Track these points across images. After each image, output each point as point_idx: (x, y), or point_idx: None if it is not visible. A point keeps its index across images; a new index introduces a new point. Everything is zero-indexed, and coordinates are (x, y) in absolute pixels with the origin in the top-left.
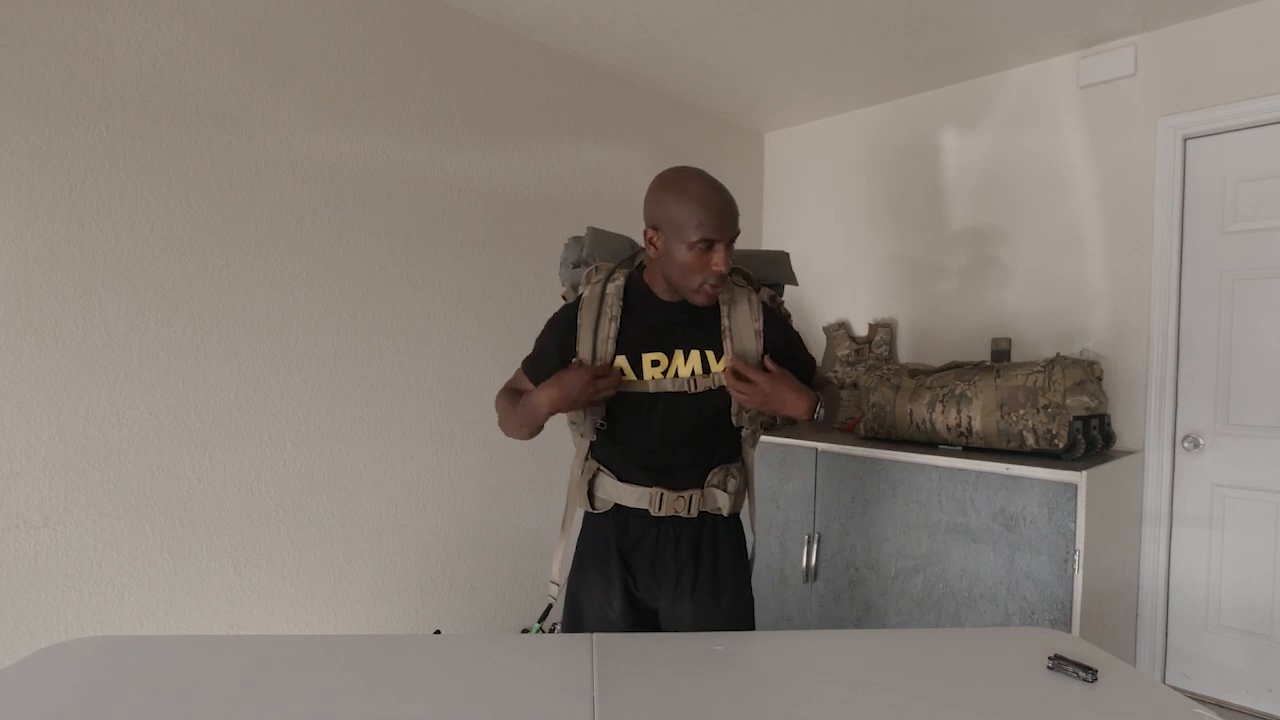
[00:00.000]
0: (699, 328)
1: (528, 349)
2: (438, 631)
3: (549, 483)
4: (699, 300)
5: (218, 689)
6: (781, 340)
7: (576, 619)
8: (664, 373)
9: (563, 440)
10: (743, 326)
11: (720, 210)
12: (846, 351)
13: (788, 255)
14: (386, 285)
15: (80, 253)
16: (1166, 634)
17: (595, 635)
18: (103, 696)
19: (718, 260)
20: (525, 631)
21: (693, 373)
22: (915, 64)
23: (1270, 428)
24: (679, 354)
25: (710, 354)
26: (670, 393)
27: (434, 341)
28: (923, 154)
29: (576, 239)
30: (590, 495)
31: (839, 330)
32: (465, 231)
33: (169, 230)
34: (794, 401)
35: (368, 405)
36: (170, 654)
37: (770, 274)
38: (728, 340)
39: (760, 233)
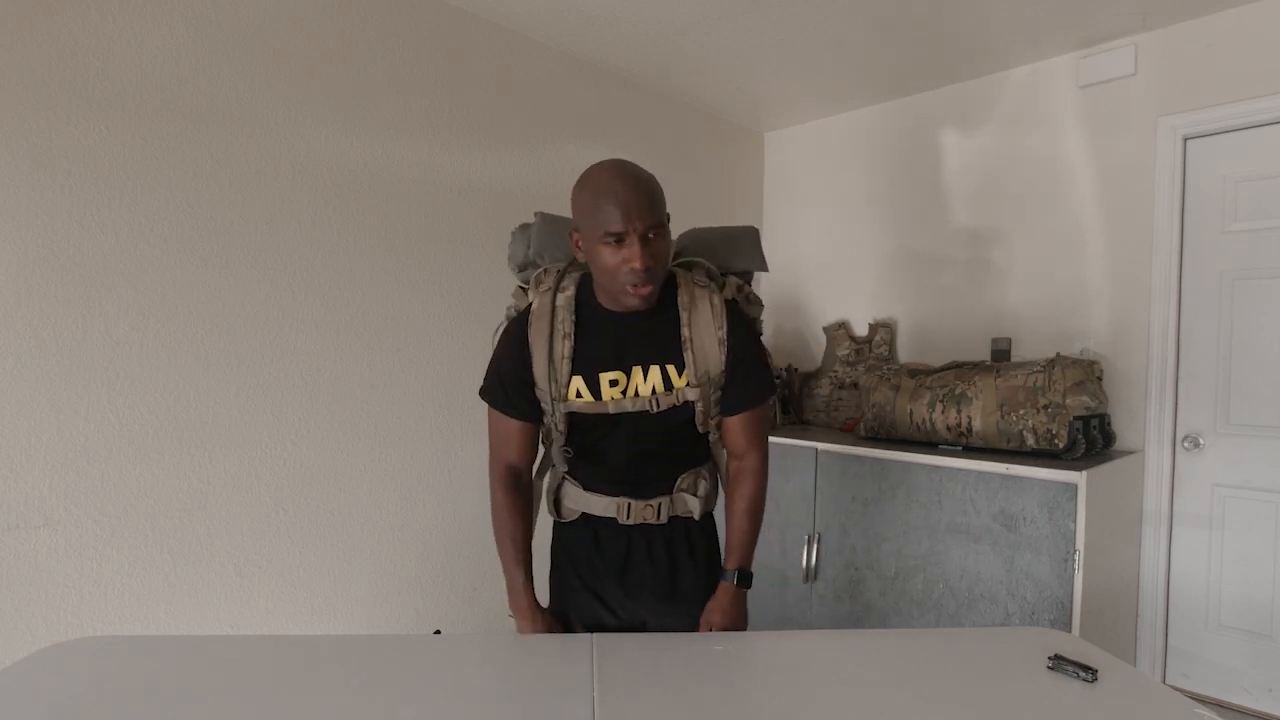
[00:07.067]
0: (656, 340)
1: None
2: (438, 631)
3: None
4: (631, 304)
5: (218, 689)
6: (742, 354)
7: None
8: (623, 392)
9: None
10: (704, 336)
11: (625, 197)
12: (846, 351)
13: (756, 231)
14: (386, 285)
15: (80, 253)
16: (1166, 634)
17: (595, 635)
18: (103, 696)
19: (630, 255)
20: None
21: (654, 390)
22: (915, 64)
23: (1270, 428)
24: (637, 371)
25: (671, 369)
26: (632, 413)
27: (434, 341)
28: (923, 154)
29: (524, 228)
30: (557, 504)
31: (839, 330)
32: (465, 231)
33: (169, 230)
34: (741, 615)
35: (368, 405)
36: (170, 654)
37: (736, 261)
38: (689, 352)
39: (760, 233)
